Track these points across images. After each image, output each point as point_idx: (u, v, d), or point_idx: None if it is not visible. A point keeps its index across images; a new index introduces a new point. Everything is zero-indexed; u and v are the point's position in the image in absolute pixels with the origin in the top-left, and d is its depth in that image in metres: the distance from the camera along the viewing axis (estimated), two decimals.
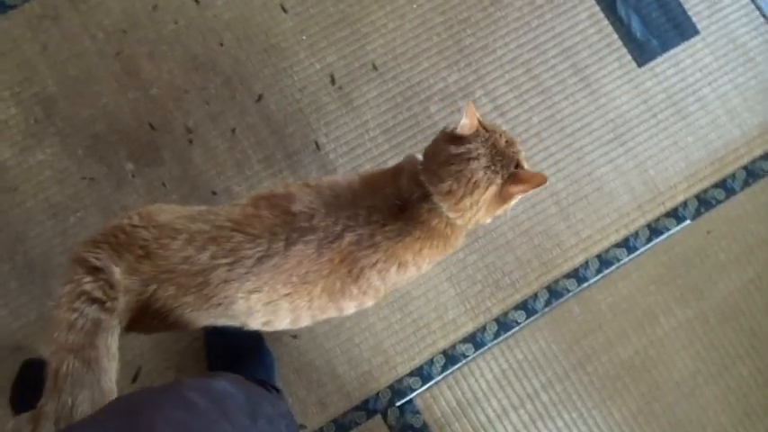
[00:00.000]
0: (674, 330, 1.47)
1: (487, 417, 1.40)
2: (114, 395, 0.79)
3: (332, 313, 0.96)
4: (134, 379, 1.31)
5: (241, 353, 1.31)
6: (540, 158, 1.50)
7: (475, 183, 0.89)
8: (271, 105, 1.46)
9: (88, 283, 0.82)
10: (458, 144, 0.92)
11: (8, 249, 1.35)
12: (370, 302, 0.98)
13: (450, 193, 0.91)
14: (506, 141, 0.94)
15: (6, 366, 1.29)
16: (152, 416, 0.64)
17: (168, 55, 1.45)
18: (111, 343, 0.81)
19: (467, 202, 0.91)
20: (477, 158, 0.90)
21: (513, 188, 0.91)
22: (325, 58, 1.48)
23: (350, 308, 0.96)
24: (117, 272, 0.83)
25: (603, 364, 1.44)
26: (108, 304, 0.82)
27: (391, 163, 1.44)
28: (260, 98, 1.45)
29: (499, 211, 0.96)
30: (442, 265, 1.43)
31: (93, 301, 0.82)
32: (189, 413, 0.68)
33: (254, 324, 0.95)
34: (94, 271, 0.83)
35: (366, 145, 1.46)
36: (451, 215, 0.92)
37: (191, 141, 1.42)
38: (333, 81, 1.47)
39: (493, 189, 0.90)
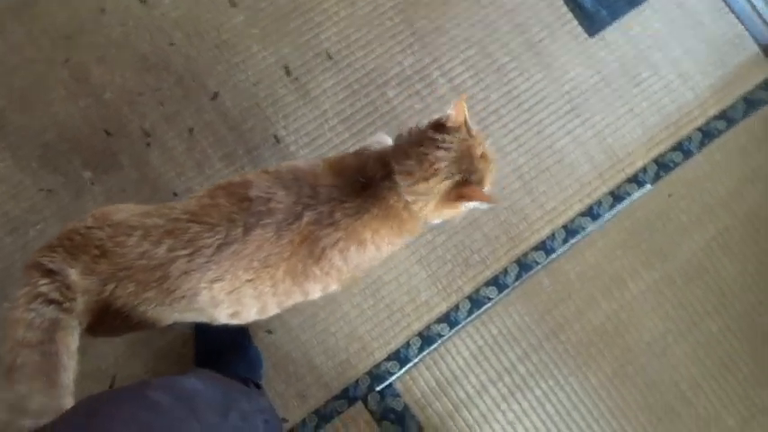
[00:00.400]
0: (642, 293, 1.51)
1: (467, 393, 1.42)
2: (71, 391, 0.78)
3: (297, 297, 0.96)
4: (110, 387, 1.30)
5: (226, 350, 1.31)
6: (500, 135, 1.51)
7: (435, 170, 0.91)
8: (227, 102, 1.44)
9: (44, 285, 0.82)
10: (436, 131, 0.94)
11: None
12: (334, 285, 0.98)
13: (410, 173, 0.92)
14: (482, 154, 0.96)
15: None
16: (111, 416, 0.64)
17: (118, 58, 1.43)
18: (71, 342, 0.81)
19: (422, 186, 0.92)
20: (446, 150, 0.92)
21: (465, 191, 0.92)
22: (278, 51, 1.47)
23: (315, 291, 0.97)
24: (73, 273, 0.83)
25: (576, 332, 1.47)
26: (66, 305, 0.82)
27: (352, 150, 1.46)
28: (215, 95, 1.44)
29: (447, 215, 0.98)
30: (412, 248, 1.45)
31: (51, 302, 0.81)
32: (151, 412, 0.68)
33: (222, 316, 0.95)
34: (50, 274, 0.82)
35: (326, 135, 1.46)
36: (408, 197, 0.93)
37: (148, 144, 1.41)
38: (288, 73, 1.46)
39: (448, 183, 0.92)
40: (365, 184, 0.94)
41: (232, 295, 0.89)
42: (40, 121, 1.39)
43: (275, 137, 1.44)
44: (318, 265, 0.91)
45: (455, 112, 0.94)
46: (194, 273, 0.85)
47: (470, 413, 1.41)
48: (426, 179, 0.91)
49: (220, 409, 0.81)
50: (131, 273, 0.84)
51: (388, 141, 1.04)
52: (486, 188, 0.97)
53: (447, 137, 0.93)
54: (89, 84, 1.41)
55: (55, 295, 0.81)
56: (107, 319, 0.87)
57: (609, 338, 1.48)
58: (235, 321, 0.98)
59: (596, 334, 1.48)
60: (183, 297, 0.87)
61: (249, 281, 0.88)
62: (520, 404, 1.43)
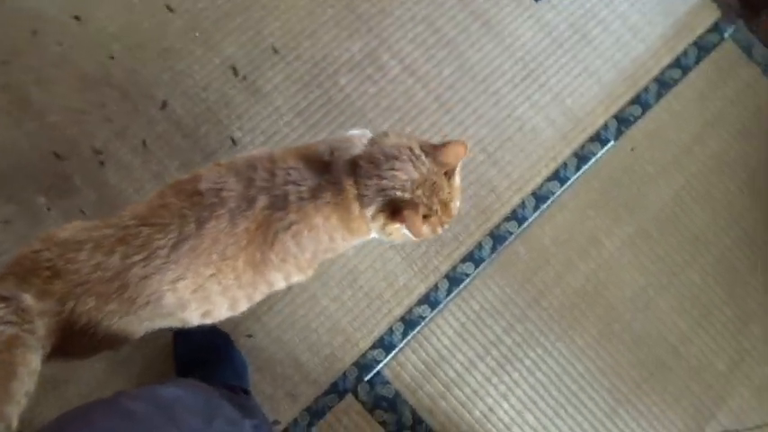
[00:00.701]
0: (618, 250, 1.51)
1: (456, 371, 1.41)
2: (19, 404, 0.75)
3: (263, 288, 0.94)
4: None
5: (208, 358, 1.28)
6: (459, 109, 1.50)
7: (393, 175, 0.90)
8: (177, 110, 1.41)
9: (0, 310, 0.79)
10: (422, 150, 0.94)
11: None
12: (296, 275, 0.96)
13: (373, 162, 0.91)
14: (444, 202, 0.95)
15: None
16: (83, 426, 0.62)
17: (58, 78, 1.39)
18: (30, 360, 0.78)
19: (374, 183, 0.91)
20: (417, 169, 0.91)
21: (406, 212, 0.91)
22: (222, 51, 1.44)
23: (278, 280, 0.95)
24: (27, 298, 0.80)
25: (557, 297, 1.47)
26: (25, 326, 0.78)
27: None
28: (164, 105, 1.41)
29: (386, 230, 0.96)
30: None
31: (8, 323, 0.78)
32: (125, 421, 0.66)
33: (194, 318, 0.92)
34: (3, 299, 0.79)
35: (282, 131, 1.43)
36: (361, 191, 0.92)
37: (102, 163, 1.37)
38: (235, 73, 1.43)
39: (396, 194, 0.91)
40: (326, 165, 0.93)
41: (198, 294, 0.87)
42: None
43: (232, 139, 1.41)
44: (273, 250, 0.89)
45: (452, 152, 0.93)
46: (154, 276, 0.83)
47: (462, 391, 1.40)
48: (381, 178, 0.90)
49: (203, 415, 0.79)
50: (88, 288, 0.81)
51: (368, 135, 1.02)
52: (426, 229, 0.95)
53: (426, 160, 0.93)
54: (31, 108, 1.37)
55: (11, 318, 0.78)
56: (74, 340, 0.84)
57: (591, 299, 1.48)
58: (208, 321, 0.95)
59: (578, 296, 1.47)
60: (148, 303, 0.84)
61: (212, 276, 0.86)
62: (510, 375, 1.42)
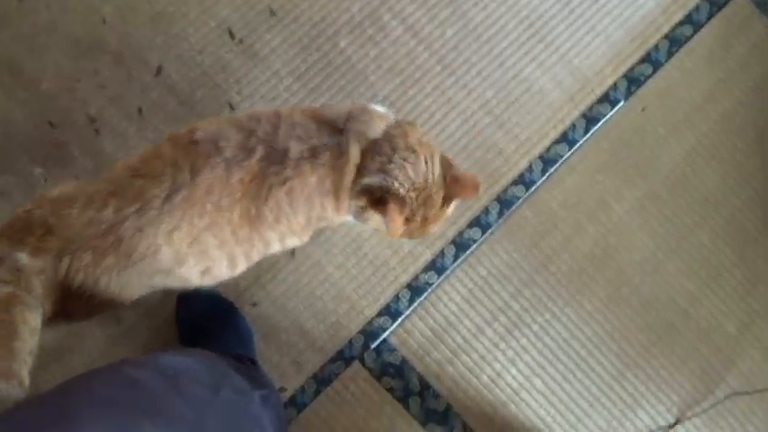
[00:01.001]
0: (627, 213, 1.48)
1: (463, 337, 1.39)
2: (27, 364, 0.75)
3: (260, 247, 0.92)
4: None
5: (213, 327, 1.26)
6: (463, 71, 1.45)
7: (402, 166, 0.89)
8: (172, 75, 1.37)
9: None
10: (442, 164, 0.94)
11: None
12: (291, 238, 0.94)
13: (391, 144, 0.90)
14: (426, 217, 0.94)
15: None
16: (83, 394, 0.60)
17: (49, 45, 1.34)
18: (30, 318, 0.77)
19: (382, 161, 0.89)
20: (425, 175, 0.90)
21: (392, 204, 0.89)
22: (218, 14, 1.39)
23: (273, 240, 0.92)
24: (22, 257, 0.78)
25: (566, 261, 1.45)
26: (22, 285, 0.78)
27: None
28: (159, 70, 1.36)
29: (362, 215, 0.96)
30: None
31: (4, 282, 0.77)
32: (127, 389, 0.64)
33: (193, 276, 0.90)
34: None
35: (282, 95, 1.39)
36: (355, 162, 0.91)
37: (97, 131, 1.33)
38: (232, 36, 1.39)
39: (393, 184, 0.89)
40: (337, 131, 0.90)
41: (194, 247, 0.85)
42: None
43: (229, 104, 1.37)
44: (267, 205, 0.87)
45: (467, 185, 0.95)
46: (148, 228, 0.81)
47: (469, 356, 1.39)
48: (390, 162, 0.89)
49: (210, 385, 0.77)
50: (83, 243, 0.79)
51: (391, 117, 1.00)
52: (400, 229, 0.93)
53: (438, 176, 0.92)
54: (24, 77, 1.33)
55: (7, 277, 0.77)
56: (74, 298, 0.83)
57: (599, 263, 1.45)
58: (209, 280, 0.93)
59: (586, 260, 1.45)
60: (144, 257, 0.83)
61: (207, 227, 0.84)
62: (518, 341, 1.41)
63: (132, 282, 0.85)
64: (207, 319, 1.27)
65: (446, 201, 0.96)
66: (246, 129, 0.87)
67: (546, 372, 1.41)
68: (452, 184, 0.94)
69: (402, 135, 0.92)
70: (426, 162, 0.91)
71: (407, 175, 0.90)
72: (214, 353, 1.02)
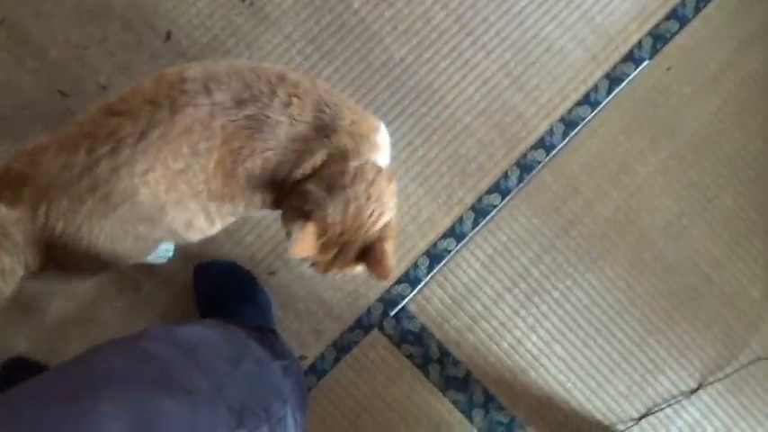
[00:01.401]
0: (651, 176, 1.44)
1: (483, 304, 1.38)
2: None
3: (229, 207, 0.89)
4: None
5: (231, 297, 1.25)
6: (481, 31, 1.40)
7: (333, 191, 0.85)
8: (182, 41, 1.33)
9: None
10: (379, 217, 0.88)
11: None
12: (242, 206, 0.92)
13: (337, 166, 0.87)
14: (332, 259, 0.89)
15: None
16: (99, 372, 0.59)
17: (55, 12, 1.31)
18: (6, 261, 0.76)
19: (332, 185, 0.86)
20: (357, 214, 0.85)
21: (313, 219, 0.84)
22: None
23: (240, 204, 0.90)
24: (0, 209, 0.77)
25: (587, 226, 1.41)
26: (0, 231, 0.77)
27: (326, 72, 1.36)
28: (168, 36, 1.33)
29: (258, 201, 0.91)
30: (405, 166, 1.37)
31: None
32: (145, 365, 0.63)
33: (179, 227, 0.88)
34: None
35: (295, 59, 1.35)
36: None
37: None
38: None
39: (326, 212, 0.84)
40: (327, 130, 0.86)
41: (171, 194, 0.82)
42: None
43: None
44: (244, 166, 0.84)
45: (380, 265, 0.89)
46: (123, 168, 0.78)
47: (489, 323, 1.37)
48: (334, 186, 0.85)
49: (230, 357, 0.76)
50: (59, 189, 0.78)
51: (382, 139, 0.96)
52: (306, 251, 0.85)
53: (371, 227, 0.87)
54: (31, 44, 1.30)
55: None
56: (60, 249, 0.82)
57: (621, 228, 1.42)
58: (193, 235, 0.91)
59: (608, 224, 1.42)
60: (124, 201, 0.80)
61: (181, 172, 0.80)
62: (538, 308, 1.39)
63: (117, 230, 0.83)
64: (225, 290, 1.26)
65: (359, 259, 0.90)
66: (244, 79, 0.82)
67: (566, 338, 1.40)
68: (373, 251, 0.88)
69: (372, 180, 0.87)
70: (371, 216, 0.86)
71: (346, 212, 0.84)
72: (234, 324, 1.01)
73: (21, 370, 1.23)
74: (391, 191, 0.92)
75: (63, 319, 1.26)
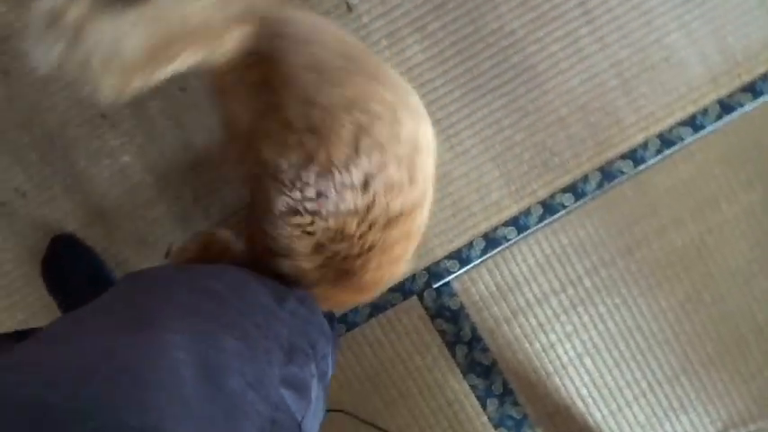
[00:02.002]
0: (735, 217, 1.36)
1: (527, 300, 1.35)
2: None
3: None
4: (166, 255, 1.29)
5: None
6: (603, 21, 1.31)
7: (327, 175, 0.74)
8: None
9: None
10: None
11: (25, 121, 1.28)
12: None
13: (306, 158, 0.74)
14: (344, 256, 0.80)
15: (35, 243, 1.26)
16: (163, 300, 0.59)
17: None
18: None
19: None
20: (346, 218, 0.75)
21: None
22: None
23: None
24: None
25: (654, 251, 1.36)
26: None
27: (432, 26, 1.29)
28: None
29: None
30: (486, 144, 1.32)
31: None
32: (206, 300, 0.62)
33: None
34: None
35: (404, 5, 1.29)
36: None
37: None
38: None
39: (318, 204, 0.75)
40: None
41: None
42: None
43: (347, 4, 1.28)
44: None
45: None
46: None
47: (528, 320, 1.35)
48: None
49: (276, 295, 0.75)
50: None
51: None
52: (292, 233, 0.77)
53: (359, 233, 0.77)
54: None
55: None
56: None
57: (690, 262, 1.36)
58: None
59: (677, 256, 1.36)
60: None
61: None
62: (580, 318, 1.36)
63: None
64: None
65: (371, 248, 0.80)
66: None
67: (600, 354, 1.37)
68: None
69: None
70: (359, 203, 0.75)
71: (334, 198, 0.74)
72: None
73: (68, 247, 1.26)
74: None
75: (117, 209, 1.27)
